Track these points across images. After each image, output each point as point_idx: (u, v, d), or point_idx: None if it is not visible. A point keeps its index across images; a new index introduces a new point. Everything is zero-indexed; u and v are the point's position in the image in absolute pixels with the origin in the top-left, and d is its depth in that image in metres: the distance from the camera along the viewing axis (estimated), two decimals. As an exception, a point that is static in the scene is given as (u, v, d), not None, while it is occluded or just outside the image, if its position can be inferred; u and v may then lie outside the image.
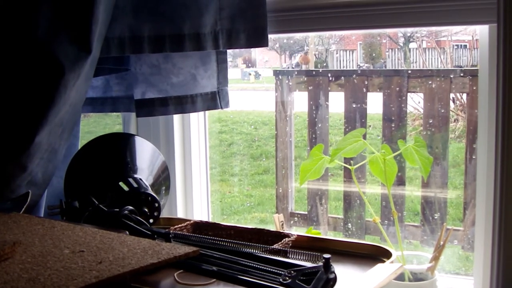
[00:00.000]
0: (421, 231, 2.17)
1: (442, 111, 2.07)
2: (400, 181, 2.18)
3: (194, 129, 1.73)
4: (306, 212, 2.47)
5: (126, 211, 1.21)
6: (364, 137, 1.44)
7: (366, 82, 2.22)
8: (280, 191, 2.54)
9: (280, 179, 2.54)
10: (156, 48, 1.35)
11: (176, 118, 1.72)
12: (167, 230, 1.19)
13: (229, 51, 1.55)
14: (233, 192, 3.45)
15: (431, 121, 2.09)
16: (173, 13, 1.34)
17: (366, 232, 2.33)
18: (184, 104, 1.50)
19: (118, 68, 1.51)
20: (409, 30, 2.63)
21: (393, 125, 2.15)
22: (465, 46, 2.51)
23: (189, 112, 1.56)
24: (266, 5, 1.37)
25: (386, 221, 2.14)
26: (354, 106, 2.23)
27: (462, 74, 2.02)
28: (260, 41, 1.38)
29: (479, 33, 1.34)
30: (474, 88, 1.98)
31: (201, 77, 1.50)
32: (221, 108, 1.53)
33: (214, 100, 1.52)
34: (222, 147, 3.71)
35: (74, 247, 0.94)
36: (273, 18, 1.41)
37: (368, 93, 2.24)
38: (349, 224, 2.32)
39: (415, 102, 2.32)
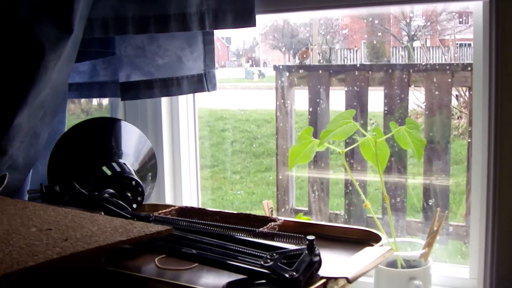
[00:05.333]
0: (423, 227, 2.13)
1: (445, 103, 2.05)
2: (401, 176, 2.14)
3: (183, 114, 1.70)
4: (307, 208, 2.44)
5: (106, 194, 1.17)
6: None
7: (367, 76, 2.19)
8: (281, 187, 2.51)
9: (281, 177, 2.51)
10: (141, 29, 1.32)
11: (164, 103, 1.68)
12: (148, 213, 1.16)
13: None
14: (235, 189, 3.43)
15: (432, 114, 2.06)
16: None
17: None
18: (170, 86, 1.46)
19: (104, 52, 1.48)
20: (412, 28, 2.60)
21: (393, 120, 2.11)
22: (469, 44, 2.47)
23: (175, 95, 1.53)
24: (253, -16, 1.34)
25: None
26: (354, 101, 2.21)
27: (469, 69, 1.98)
28: (247, 21, 1.35)
29: (474, 12, 1.29)
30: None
31: (187, 59, 1.46)
32: (208, 90, 1.49)
33: (201, 82, 1.48)
34: (224, 145, 3.69)
35: (42, 225, 0.90)
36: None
37: (369, 88, 2.22)
38: (350, 220, 2.29)
39: (417, 97, 2.29)
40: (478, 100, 1.32)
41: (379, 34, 2.74)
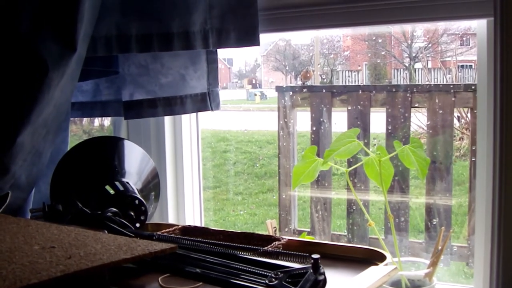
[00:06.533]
0: (425, 248, 2.12)
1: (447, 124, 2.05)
2: (404, 195, 2.14)
3: (186, 134, 1.69)
4: (310, 229, 2.43)
5: (109, 213, 1.16)
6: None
7: (370, 95, 2.19)
8: (283, 207, 2.50)
9: (284, 196, 2.50)
10: (144, 48, 1.31)
11: (167, 122, 1.68)
12: (151, 232, 1.15)
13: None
14: (237, 210, 3.42)
15: (435, 135, 2.07)
16: (161, 11, 1.30)
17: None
18: (173, 105, 1.46)
19: (107, 71, 1.47)
20: (414, 49, 2.60)
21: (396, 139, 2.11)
22: (471, 66, 2.48)
23: (179, 113, 1.52)
24: (257, 3, 1.34)
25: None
26: (357, 120, 2.21)
27: (472, 88, 1.99)
28: (251, 40, 1.34)
29: (477, 29, 1.29)
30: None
31: (190, 77, 1.45)
32: (212, 109, 1.48)
33: (204, 101, 1.48)
34: (226, 166, 3.68)
35: (45, 243, 0.89)
36: (265, 16, 1.38)
37: (372, 109, 2.22)
38: (354, 240, 2.28)
39: (418, 119, 2.29)
40: (482, 120, 1.31)
41: (381, 56, 2.74)
